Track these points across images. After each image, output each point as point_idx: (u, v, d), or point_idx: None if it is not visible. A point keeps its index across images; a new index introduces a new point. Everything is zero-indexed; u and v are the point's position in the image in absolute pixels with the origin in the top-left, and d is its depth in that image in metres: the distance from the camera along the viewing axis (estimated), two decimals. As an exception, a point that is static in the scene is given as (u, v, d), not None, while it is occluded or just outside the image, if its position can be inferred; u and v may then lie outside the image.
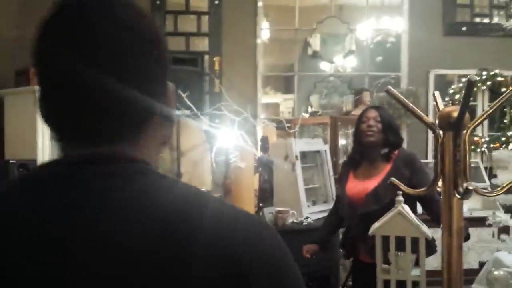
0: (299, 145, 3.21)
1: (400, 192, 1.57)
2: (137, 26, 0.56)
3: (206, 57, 5.12)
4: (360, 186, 2.35)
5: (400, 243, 1.59)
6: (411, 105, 1.09)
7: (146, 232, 0.50)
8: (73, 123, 0.55)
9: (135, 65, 0.55)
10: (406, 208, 1.54)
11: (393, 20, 5.77)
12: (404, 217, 1.49)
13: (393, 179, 1.14)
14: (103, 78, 0.53)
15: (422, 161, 2.48)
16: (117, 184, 0.53)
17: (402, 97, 1.10)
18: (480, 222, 3.42)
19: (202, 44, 5.49)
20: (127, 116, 0.55)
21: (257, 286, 0.50)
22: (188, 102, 3.94)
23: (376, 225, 1.59)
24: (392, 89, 1.09)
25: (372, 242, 2.27)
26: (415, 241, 1.54)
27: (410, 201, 2.20)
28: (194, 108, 3.98)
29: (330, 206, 3.56)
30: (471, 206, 3.97)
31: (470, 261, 3.79)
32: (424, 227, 1.54)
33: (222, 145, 3.76)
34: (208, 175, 4.11)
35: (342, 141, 4.20)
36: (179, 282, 0.49)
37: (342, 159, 4.10)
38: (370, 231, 1.53)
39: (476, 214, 3.86)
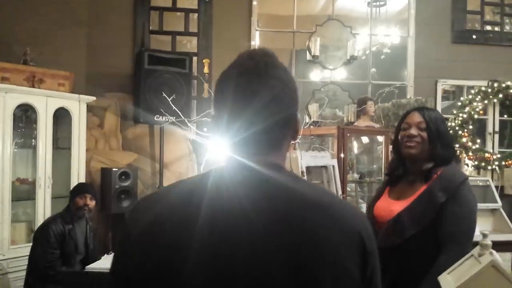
0: (305, 159, 2.71)
1: (487, 233, 1.07)
2: (288, 80, 0.86)
3: (195, 58, 4.65)
4: (388, 206, 1.84)
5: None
6: None
7: (312, 207, 0.79)
8: (244, 143, 0.83)
9: (286, 106, 0.85)
10: (497, 256, 1.05)
11: (396, 28, 5.39)
12: (499, 271, 1.00)
13: None
14: (270, 115, 0.83)
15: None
16: (273, 178, 0.81)
17: None
18: None
19: (190, 45, 5.00)
20: (277, 139, 0.86)
21: (371, 249, 0.80)
22: (174, 107, 3.39)
23: (450, 280, 1.08)
24: None
25: (391, 278, 1.77)
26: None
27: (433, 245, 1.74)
28: (180, 114, 3.43)
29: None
30: None
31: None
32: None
33: (212, 157, 3.23)
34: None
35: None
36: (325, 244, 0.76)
37: (350, 175, 3.62)
38: (446, 291, 1.03)
39: None
